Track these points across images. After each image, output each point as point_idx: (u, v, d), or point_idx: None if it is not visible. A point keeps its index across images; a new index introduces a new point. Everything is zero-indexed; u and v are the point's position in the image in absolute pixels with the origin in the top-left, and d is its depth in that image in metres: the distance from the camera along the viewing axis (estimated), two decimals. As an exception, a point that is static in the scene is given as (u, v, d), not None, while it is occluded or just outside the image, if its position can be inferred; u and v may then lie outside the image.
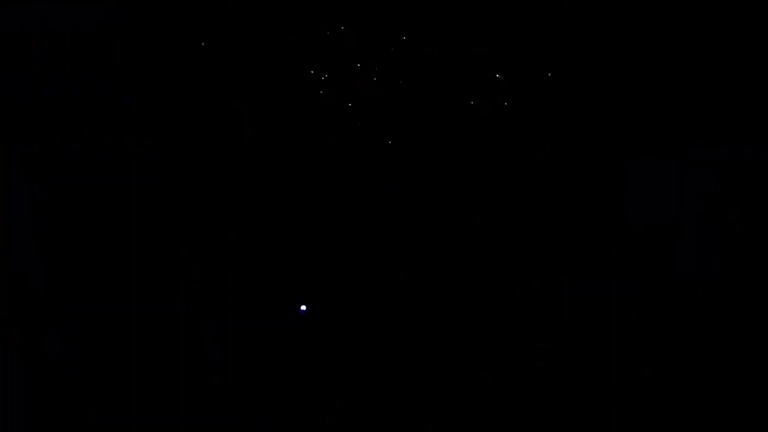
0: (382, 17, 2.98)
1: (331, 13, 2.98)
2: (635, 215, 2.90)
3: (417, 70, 2.98)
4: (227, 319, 2.93)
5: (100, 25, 2.94)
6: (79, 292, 2.89)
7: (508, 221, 2.94)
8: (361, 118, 2.99)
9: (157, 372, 2.87)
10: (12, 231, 2.88)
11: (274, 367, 2.90)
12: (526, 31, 2.96)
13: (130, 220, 2.92)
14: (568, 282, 2.88)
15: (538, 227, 2.93)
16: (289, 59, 2.99)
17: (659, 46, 2.92)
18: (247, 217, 2.97)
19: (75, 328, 2.86)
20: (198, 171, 2.97)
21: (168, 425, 2.81)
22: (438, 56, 2.98)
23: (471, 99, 2.97)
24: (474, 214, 2.95)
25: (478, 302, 2.91)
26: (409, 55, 2.97)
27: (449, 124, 2.97)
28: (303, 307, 2.89)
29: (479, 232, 2.95)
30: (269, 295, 2.95)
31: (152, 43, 2.97)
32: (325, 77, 2.98)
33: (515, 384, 2.85)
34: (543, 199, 2.94)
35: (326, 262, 2.97)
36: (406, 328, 2.92)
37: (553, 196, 2.93)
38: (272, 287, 2.95)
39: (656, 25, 2.92)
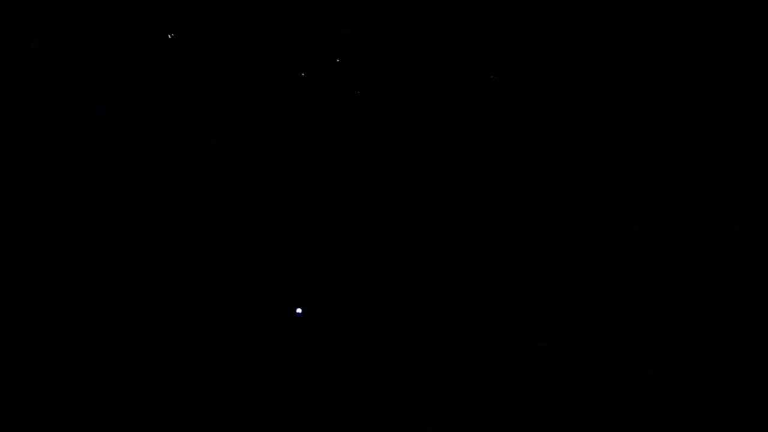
0: (382, 17, 2.98)
1: (331, 13, 2.98)
2: (635, 215, 2.90)
3: (417, 70, 2.98)
4: (227, 319, 2.92)
5: (100, 25, 2.94)
6: (79, 292, 2.89)
7: (508, 221, 2.94)
8: (361, 118, 2.99)
9: (157, 372, 2.87)
10: (12, 231, 2.88)
11: (274, 367, 2.91)
12: (525, 31, 2.96)
13: (130, 220, 2.92)
14: (568, 282, 2.88)
15: (538, 227, 2.93)
16: (289, 59, 2.99)
17: (659, 46, 2.92)
18: (247, 217, 2.97)
19: (75, 328, 2.87)
20: (198, 171, 2.97)
21: (168, 425, 2.81)
22: (438, 56, 2.98)
23: (471, 99, 2.97)
24: (474, 214, 2.95)
25: (478, 302, 2.91)
26: (409, 55, 2.97)
27: (449, 124, 2.97)
28: (299, 310, 2.89)
29: (479, 232, 2.95)
30: (269, 295, 2.95)
31: (152, 43, 2.97)
32: (325, 77, 2.98)
33: (515, 384, 2.85)
34: (543, 199, 2.94)
35: (326, 262, 2.97)
36: (406, 328, 2.92)
37: (553, 196, 2.93)
38: (272, 287, 2.95)
39: (656, 25, 2.92)
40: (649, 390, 2.78)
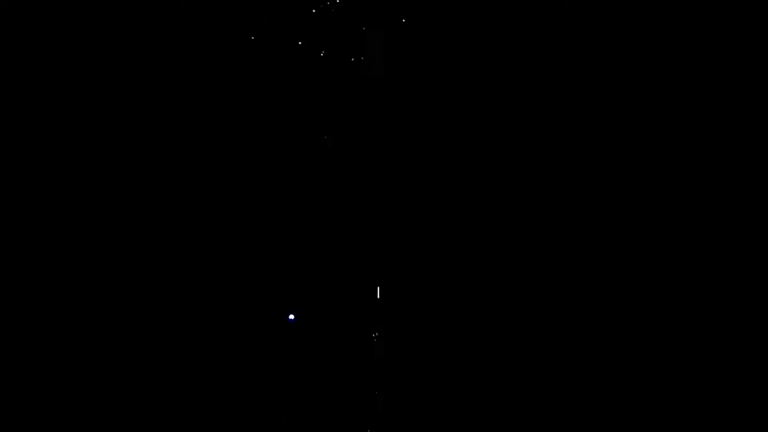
0: (383, 17, 2.98)
1: (331, 12, 2.99)
2: (635, 213, 2.91)
3: (417, 69, 2.98)
4: (229, 318, 2.93)
5: (100, 24, 2.95)
6: (79, 292, 2.89)
7: (508, 221, 2.94)
8: (361, 116, 2.99)
9: (156, 372, 2.87)
10: (10, 230, 2.88)
11: (273, 367, 2.91)
12: (525, 31, 2.97)
13: (130, 219, 2.92)
14: (566, 282, 2.89)
15: (537, 227, 2.93)
16: (290, 58, 3.00)
17: (659, 46, 2.93)
18: (247, 217, 2.97)
19: (75, 327, 2.87)
20: (197, 170, 2.97)
21: (168, 425, 2.81)
22: (438, 55, 2.98)
23: (471, 99, 2.97)
24: (474, 214, 2.96)
25: (477, 302, 2.91)
26: (409, 53, 2.98)
27: (449, 124, 2.98)
28: (291, 316, 2.90)
29: (479, 232, 2.96)
30: (268, 295, 2.95)
31: (151, 42, 2.97)
32: (324, 76, 2.98)
33: (515, 384, 2.85)
34: (542, 199, 2.94)
35: (326, 261, 2.97)
36: (405, 328, 2.92)
37: (552, 195, 2.94)
38: (271, 287, 2.95)
39: (656, 25, 2.93)
40: (648, 389, 2.79)
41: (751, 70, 2.84)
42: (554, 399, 2.80)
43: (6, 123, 2.87)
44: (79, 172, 2.87)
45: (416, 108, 2.95)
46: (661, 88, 2.90)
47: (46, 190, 2.85)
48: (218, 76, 2.95)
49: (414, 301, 2.88)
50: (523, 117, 2.93)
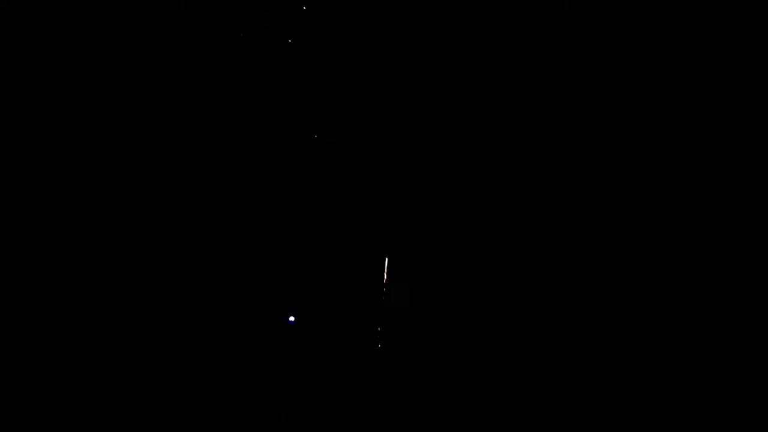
0: (383, 16, 2.98)
1: (332, 11, 2.98)
2: (635, 214, 2.90)
3: (416, 69, 2.98)
4: (229, 320, 2.93)
5: (101, 23, 2.94)
6: (79, 292, 2.89)
7: (508, 221, 2.94)
8: (360, 117, 2.99)
9: (157, 372, 2.88)
10: (12, 230, 2.89)
11: (273, 367, 2.91)
12: (525, 31, 2.96)
13: (131, 220, 2.92)
14: (567, 282, 2.89)
15: (536, 227, 2.93)
16: (290, 58, 2.99)
17: (659, 47, 2.92)
18: (247, 217, 2.97)
19: (75, 327, 2.87)
20: (198, 170, 2.97)
21: (168, 425, 2.82)
22: (436, 55, 2.98)
23: (469, 100, 2.97)
24: (473, 214, 2.95)
25: (478, 302, 2.91)
26: (407, 53, 2.98)
27: (448, 124, 2.97)
28: (291, 318, 2.90)
29: (480, 232, 2.95)
30: (268, 295, 2.95)
31: (151, 41, 2.97)
32: (324, 77, 2.98)
33: (515, 384, 2.85)
34: (542, 199, 2.94)
35: (325, 262, 2.98)
36: (404, 328, 2.92)
37: (552, 195, 2.93)
38: (272, 287, 2.95)
39: (656, 25, 2.92)
40: (647, 389, 2.79)
41: (751, 70, 2.84)
42: (554, 399, 2.80)
43: (6, 123, 2.87)
44: (74, 170, 2.87)
45: (412, 107, 2.95)
46: (660, 89, 2.90)
47: (46, 190, 2.85)
48: (209, 74, 2.95)
49: (413, 300, 2.88)
50: (519, 117, 2.93)
